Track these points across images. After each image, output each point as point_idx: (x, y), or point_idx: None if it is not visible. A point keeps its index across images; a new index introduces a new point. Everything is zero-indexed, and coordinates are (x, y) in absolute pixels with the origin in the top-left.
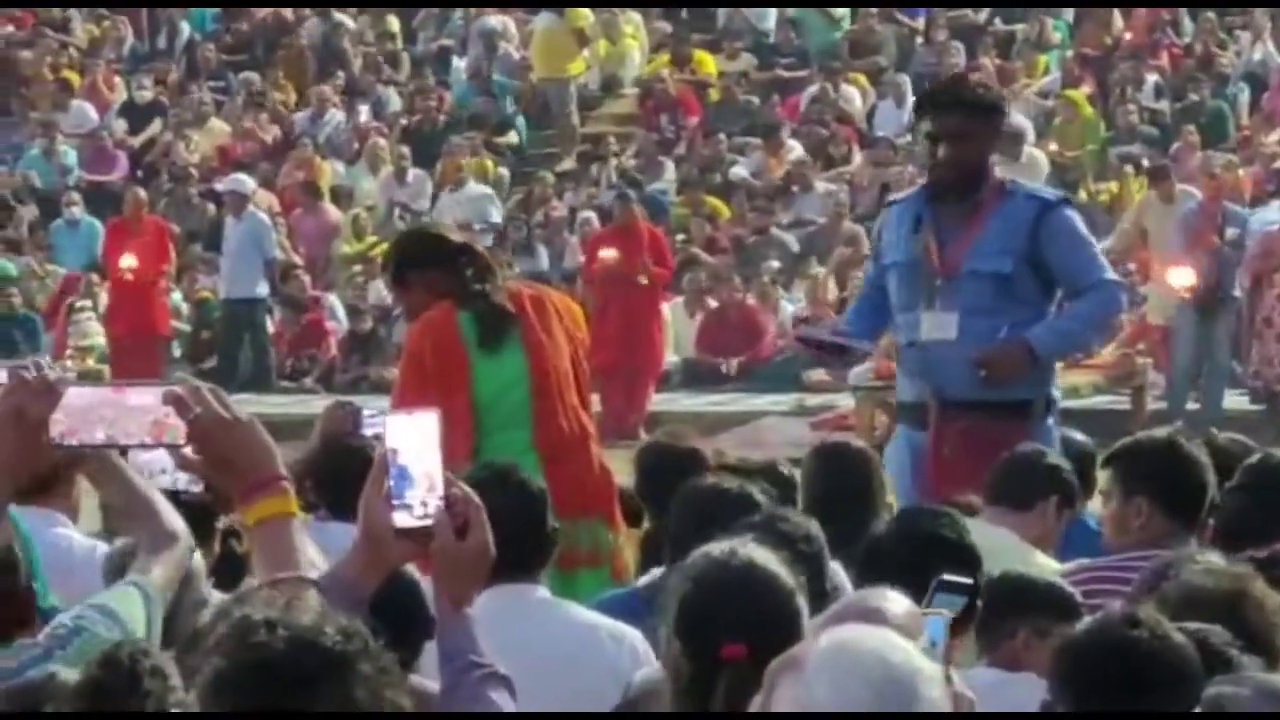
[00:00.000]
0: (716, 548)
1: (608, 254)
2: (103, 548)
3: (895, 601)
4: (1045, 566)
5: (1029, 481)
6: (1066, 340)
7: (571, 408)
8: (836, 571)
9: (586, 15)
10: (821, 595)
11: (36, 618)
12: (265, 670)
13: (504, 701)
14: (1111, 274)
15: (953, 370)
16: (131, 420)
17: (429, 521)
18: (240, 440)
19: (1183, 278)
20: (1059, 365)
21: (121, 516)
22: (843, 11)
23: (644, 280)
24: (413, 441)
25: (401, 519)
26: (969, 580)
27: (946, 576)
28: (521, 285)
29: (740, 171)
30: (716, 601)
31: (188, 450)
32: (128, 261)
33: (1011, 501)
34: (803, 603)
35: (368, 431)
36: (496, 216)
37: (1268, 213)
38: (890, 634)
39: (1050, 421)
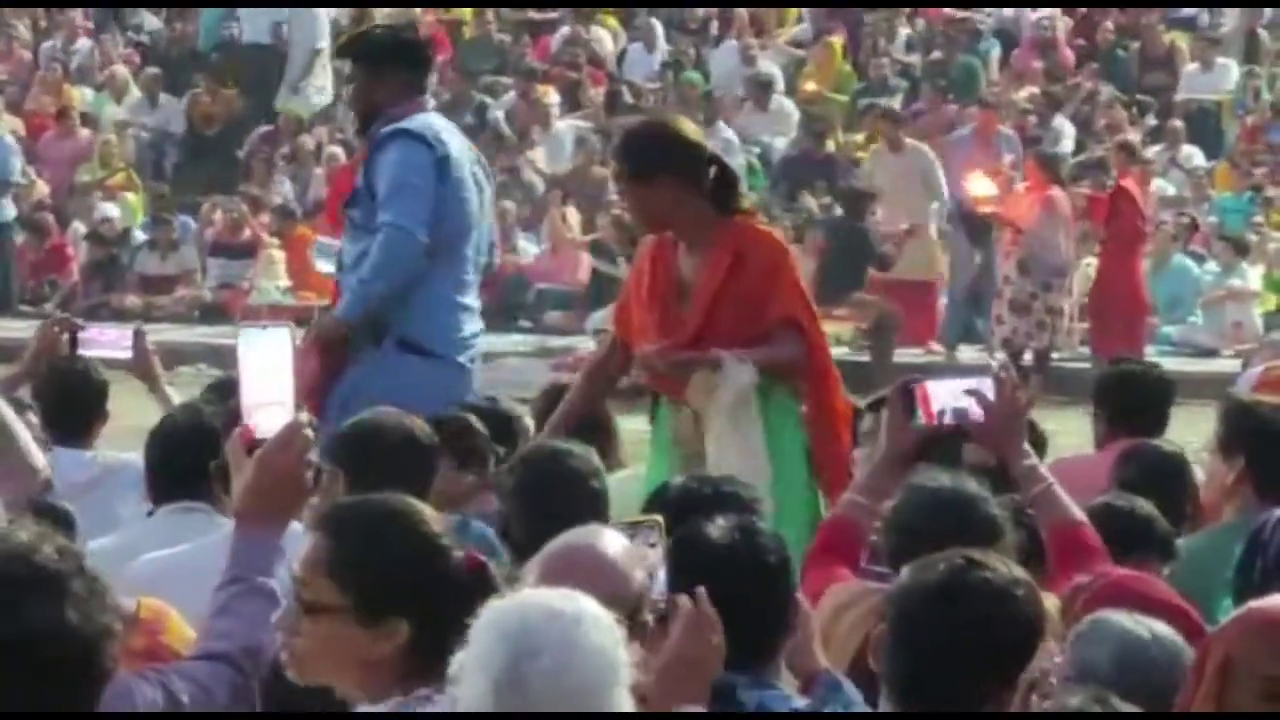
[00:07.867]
0: None
1: None
2: None
3: (610, 541)
4: None
5: None
6: (358, 303)
7: None
8: None
9: None
10: None
11: None
12: None
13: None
14: (390, 217)
15: None
16: None
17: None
18: None
19: (982, 186)
20: None
21: None
22: None
23: None
24: (264, 357)
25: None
26: None
27: None
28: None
29: (495, 113)
30: None
31: None
32: None
33: None
34: None
35: (85, 351)
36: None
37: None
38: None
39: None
